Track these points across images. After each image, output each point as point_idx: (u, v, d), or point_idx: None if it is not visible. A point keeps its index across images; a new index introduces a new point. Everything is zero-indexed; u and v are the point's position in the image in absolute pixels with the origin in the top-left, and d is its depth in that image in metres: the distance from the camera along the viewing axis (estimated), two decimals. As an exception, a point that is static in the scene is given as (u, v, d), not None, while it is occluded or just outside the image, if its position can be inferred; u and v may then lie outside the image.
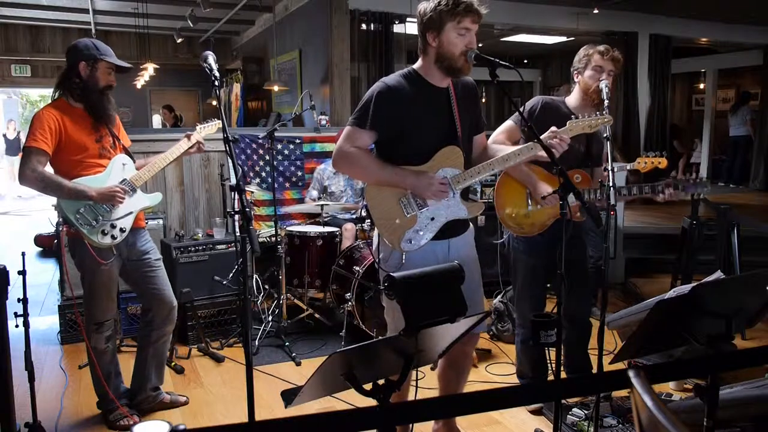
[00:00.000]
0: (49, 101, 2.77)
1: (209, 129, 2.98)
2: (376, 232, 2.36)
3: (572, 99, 2.92)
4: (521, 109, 2.22)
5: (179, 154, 2.87)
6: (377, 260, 2.35)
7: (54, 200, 2.73)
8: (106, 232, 2.68)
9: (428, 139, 2.27)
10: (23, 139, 10.01)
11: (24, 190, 10.10)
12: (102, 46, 2.74)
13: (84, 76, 2.69)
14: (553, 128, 2.28)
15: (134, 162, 2.89)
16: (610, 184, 2.40)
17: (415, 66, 2.31)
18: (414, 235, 2.27)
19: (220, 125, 2.33)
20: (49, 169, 2.67)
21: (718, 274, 2.03)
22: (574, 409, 2.86)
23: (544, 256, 2.85)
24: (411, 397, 2.41)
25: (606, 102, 2.62)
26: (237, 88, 9.85)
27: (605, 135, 2.49)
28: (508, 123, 2.85)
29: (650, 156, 2.90)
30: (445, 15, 2.14)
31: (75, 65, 2.68)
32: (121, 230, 2.73)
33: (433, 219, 2.29)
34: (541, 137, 2.19)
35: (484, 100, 13.66)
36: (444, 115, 2.30)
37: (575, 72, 2.92)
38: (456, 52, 2.17)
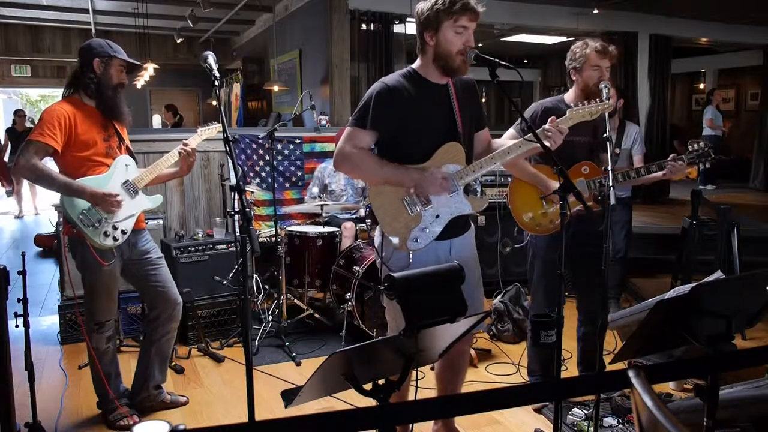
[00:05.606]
0: (57, 100, 2.78)
1: (210, 132, 2.99)
2: (378, 231, 2.34)
3: (570, 96, 2.90)
4: (522, 112, 2.22)
5: (176, 160, 2.88)
6: (380, 257, 2.35)
7: (56, 201, 2.73)
8: (108, 233, 2.69)
9: (429, 136, 2.27)
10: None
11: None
12: (114, 45, 2.80)
13: (98, 73, 2.72)
14: (553, 118, 2.27)
15: (137, 164, 2.89)
16: (610, 185, 2.40)
17: (414, 65, 2.31)
18: (420, 234, 2.27)
19: (221, 128, 2.33)
20: (52, 166, 2.68)
21: (718, 274, 2.02)
22: (574, 409, 2.86)
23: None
24: (411, 397, 2.41)
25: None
26: (237, 88, 9.86)
27: (605, 135, 2.49)
28: (510, 131, 2.85)
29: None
30: (441, 14, 2.15)
31: (89, 62, 2.72)
32: (123, 232, 2.74)
33: (438, 216, 2.28)
34: (540, 129, 2.19)
35: (484, 100, 13.68)
36: (444, 111, 2.29)
37: (572, 70, 2.90)
38: (453, 50, 2.17)
